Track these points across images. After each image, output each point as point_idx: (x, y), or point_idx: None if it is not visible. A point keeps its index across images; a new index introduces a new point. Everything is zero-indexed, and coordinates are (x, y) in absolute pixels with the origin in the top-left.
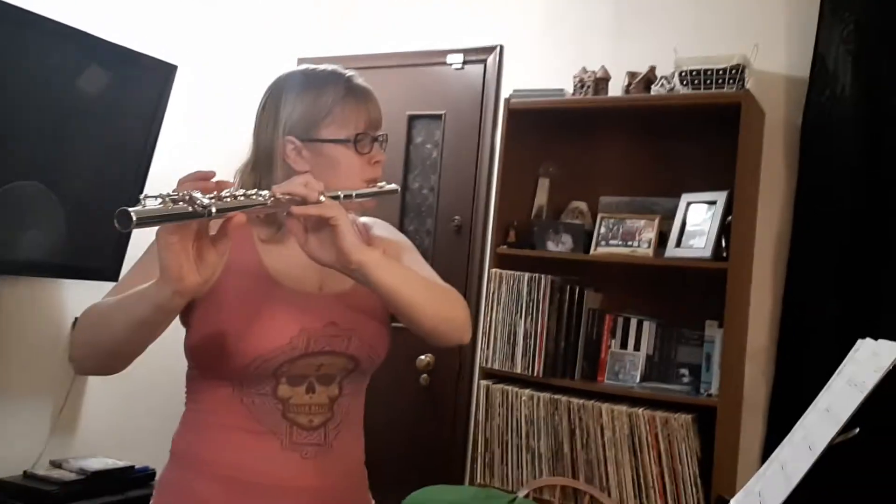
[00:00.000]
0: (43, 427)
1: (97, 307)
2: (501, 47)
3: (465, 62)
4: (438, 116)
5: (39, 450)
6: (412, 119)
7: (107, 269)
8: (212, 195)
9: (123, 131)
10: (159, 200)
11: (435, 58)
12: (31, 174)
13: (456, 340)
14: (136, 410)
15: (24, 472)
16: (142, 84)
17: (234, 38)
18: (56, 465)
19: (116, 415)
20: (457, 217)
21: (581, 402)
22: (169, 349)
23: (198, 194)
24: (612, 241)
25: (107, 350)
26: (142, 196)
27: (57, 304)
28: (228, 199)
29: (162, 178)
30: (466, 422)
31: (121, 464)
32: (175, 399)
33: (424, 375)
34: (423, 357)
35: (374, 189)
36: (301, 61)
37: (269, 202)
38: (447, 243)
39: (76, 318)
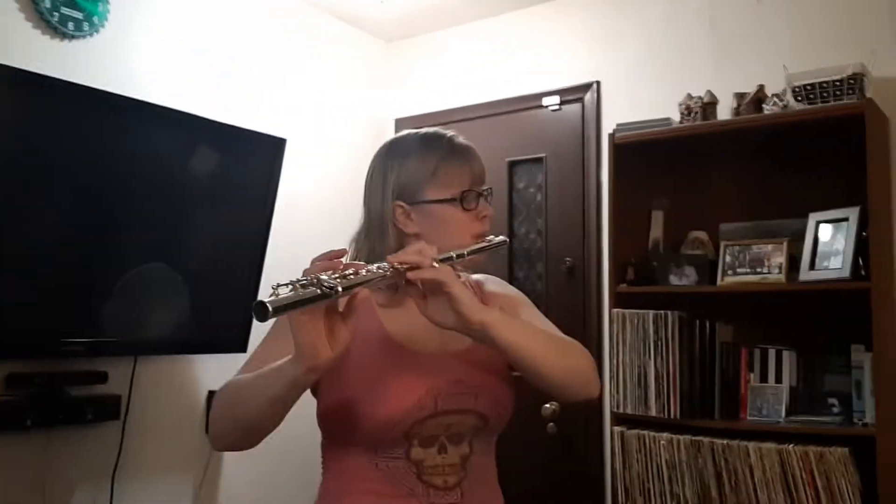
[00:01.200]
0: (185, 502)
1: (233, 384)
2: (598, 83)
3: (561, 102)
4: (539, 159)
5: None
6: (512, 165)
7: (234, 341)
8: (336, 275)
9: (240, 207)
10: (290, 287)
11: (531, 102)
12: (155, 256)
13: (584, 395)
14: (272, 480)
15: None
16: (254, 160)
17: (331, 106)
18: None
19: (254, 486)
20: (568, 259)
21: (725, 442)
22: (300, 419)
23: (324, 276)
24: (739, 270)
25: (244, 426)
26: (273, 286)
27: (190, 380)
28: (352, 276)
29: (280, 250)
30: (600, 470)
31: None
32: (308, 467)
33: (551, 424)
34: (548, 405)
35: (484, 244)
36: (399, 122)
37: (388, 273)
38: (560, 286)
39: (210, 392)
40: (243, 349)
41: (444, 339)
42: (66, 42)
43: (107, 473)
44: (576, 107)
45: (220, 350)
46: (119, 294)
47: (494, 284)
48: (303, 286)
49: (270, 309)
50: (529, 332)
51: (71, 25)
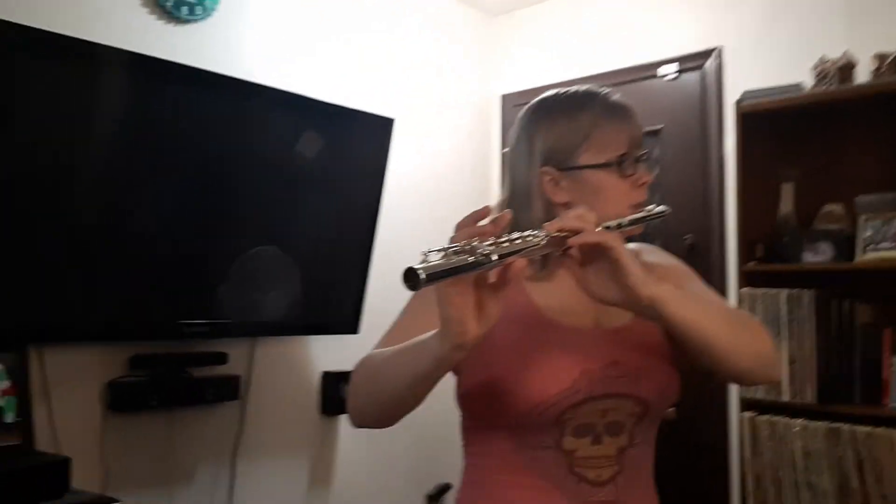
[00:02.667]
0: (301, 481)
1: (373, 359)
2: (720, 49)
3: (679, 71)
4: (656, 132)
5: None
6: None
7: (347, 322)
8: (489, 241)
9: (350, 188)
10: (441, 254)
11: (645, 71)
12: (268, 239)
13: (764, 377)
14: (384, 462)
15: None
16: (362, 140)
17: (438, 83)
18: None
19: (367, 467)
20: (688, 235)
21: (868, 429)
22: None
23: (476, 242)
24: (881, 245)
25: (383, 403)
26: (424, 252)
27: (305, 361)
28: (506, 244)
29: (389, 230)
30: (725, 457)
31: None
32: (426, 450)
33: (671, 409)
34: None
35: (643, 213)
36: (505, 98)
37: (543, 242)
38: None
39: (325, 373)
40: (355, 330)
41: (598, 315)
42: (179, 26)
43: (226, 453)
44: (695, 75)
45: (332, 331)
46: (235, 277)
47: (652, 254)
48: (455, 253)
49: (423, 276)
50: (705, 308)
51: (185, 10)
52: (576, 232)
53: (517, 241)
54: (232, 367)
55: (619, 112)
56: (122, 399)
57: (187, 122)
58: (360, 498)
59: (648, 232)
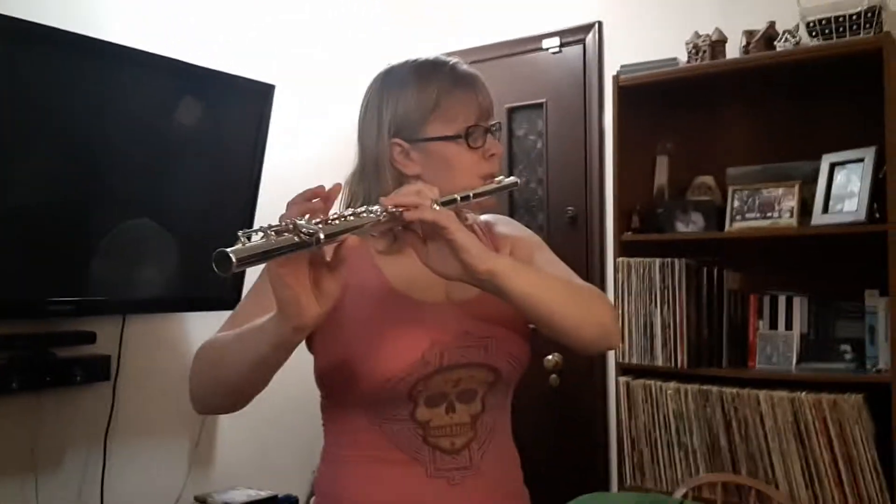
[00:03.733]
0: (181, 463)
1: (213, 345)
2: (600, 24)
3: (562, 45)
4: (539, 105)
5: (180, 486)
6: (512, 111)
7: (226, 297)
8: (318, 220)
9: (228, 157)
10: (261, 234)
11: (529, 44)
12: (141, 211)
13: (605, 346)
14: (269, 439)
15: None
16: (241, 107)
17: (323, 50)
18: (201, 500)
19: (251, 445)
20: (570, 208)
21: (734, 390)
22: (295, 372)
23: (302, 221)
24: (748, 215)
25: (226, 389)
26: (240, 233)
27: (181, 338)
28: (337, 222)
29: (272, 199)
30: (605, 421)
31: (264, 494)
32: (308, 426)
33: (553, 376)
34: (550, 357)
35: (493, 185)
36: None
37: (381, 217)
38: (562, 236)
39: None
40: (234, 307)
41: (450, 287)
42: None
43: (99, 435)
44: (577, 49)
45: (211, 307)
46: (105, 251)
47: (505, 226)
48: (277, 233)
49: (234, 260)
50: (543, 280)
51: None
52: (413, 207)
53: (350, 218)
54: (101, 347)
55: (467, 82)
56: None
57: (54, 87)
58: (245, 477)
59: (532, 205)
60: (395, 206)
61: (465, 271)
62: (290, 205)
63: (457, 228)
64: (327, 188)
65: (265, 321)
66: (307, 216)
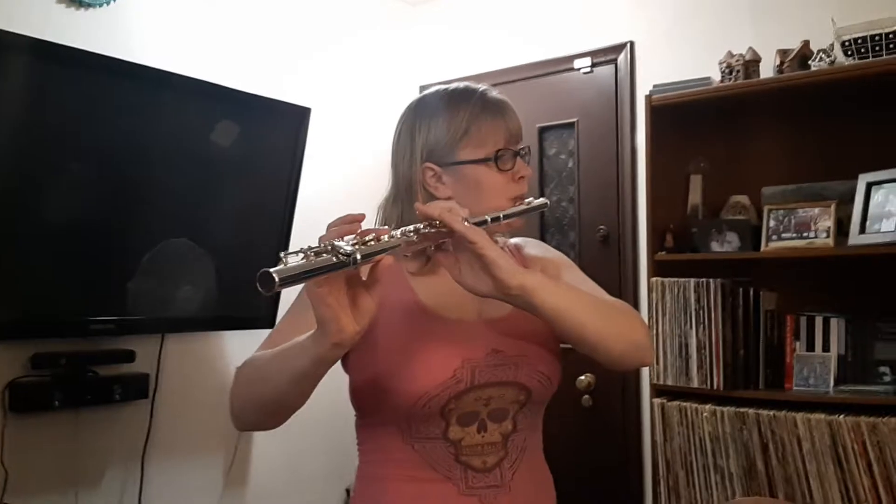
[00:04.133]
0: (217, 481)
1: (254, 362)
2: (632, 43)
3: (593, 65)
4: (571, 125)
5: None
6: (543, 131)
7: (262, 317)
8: (355, 241)
9: (265, 179)
10: (301, 255)
11: (561, 65)
12: (179, 231)
13: (638, 363)
14: (302, 458)
15: None
16: (278, 130)
17: (357, 72)
18: None
19: (284, 464)
20: (602, 227)
21: (771, 413)
22: (333, 394)
23: (340, 242)
24: (784, 235)
25: (267, 405)
26: (282, 254)
27: (218, 357)
28: (373, 243)
29: (307, 221)
30: (639, 443)
31: None
32: (342, 444)
33: (586, 396)
34: (583, 377)
35: (523, 207)
36: (423, 89)
37: (414, 238)
38: (594, 255)
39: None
40: (272, 325)
41: (482, 306)
42: (82, 11)
43: (136, 453)
44: (608, 69)
45: (247, 326)
46: (144, 271)
47: (534, 247)
48: (316, 254)
49: (277, 280)
50: (575, 296)
51: None
52: (444, 223)
53: (385, 239)
54: (140, 365)
55: (496, 108)
56: (22, 400)
57: (94, 111)
58: (279, 495)
59: (564, 224)
60: (426, 220)
61: (496, 286)
62: (329, 227)
63: (487, 243)
64: (365, 213)
65: (305, 339)
66: (345, 238)
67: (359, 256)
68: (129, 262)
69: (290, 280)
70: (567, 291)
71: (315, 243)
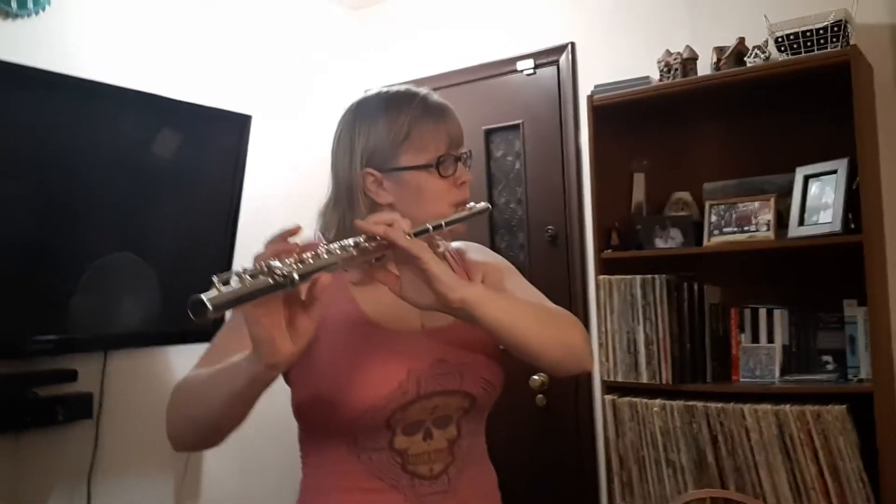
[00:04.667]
0: (167, 499)
1: (189, 382)
2: (573, 44)
3: (536, 66)
4: (516, 126)
5: None
6: (489, 133)
7: (207, 330)
8: (292, 259)
9: (207, 188)
10: (236, 278)
11: (504, 67)
12: (121, 245)
13: (578, 369)
14: (252, 472)
15: None
16: (218, 139)
17: (299, 79)
18: None
19: (234, 479)
20: (550, 227)
21: (719, 405)
22: (275, 405)
23: (276, 263)
24: (726, 229)
25: (203, 426)
26: (215, 278)
27: (164, 372)
28: (311, 260)
29: (251, 230)
30: (592, 440)
31: None
32: (293, 458)
33: (540, 395)
34: (536, 377)
35: (465, 213)
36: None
37: (354, 253)
38: (543, 255)
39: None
40: None
41: (424, 316)
42: (9, 21)
43: (82, 475)
44: (551, 70)
45: (193, 340)
46: (85, 287)
47: (476, 252)
48: (252, 276)
49: (211, 307)
50: (516, 306)
51: (14, 3)
52: (386, 240)
53: (324, 256)
54: (83, 384)
55: (437, 112)
56: None
57: (24, 125)
58: None
59: (513, 225)
60: (368, 235)
61: (437, 300)
62: (266, 245)
63: (430, 258)
64: (300, 225)
65: (239, 359)
66: (281, 257)
67: (296, 276)
68: (68, 279)
69: (224, 306)
70: (507, 302)
71: (254, 257)
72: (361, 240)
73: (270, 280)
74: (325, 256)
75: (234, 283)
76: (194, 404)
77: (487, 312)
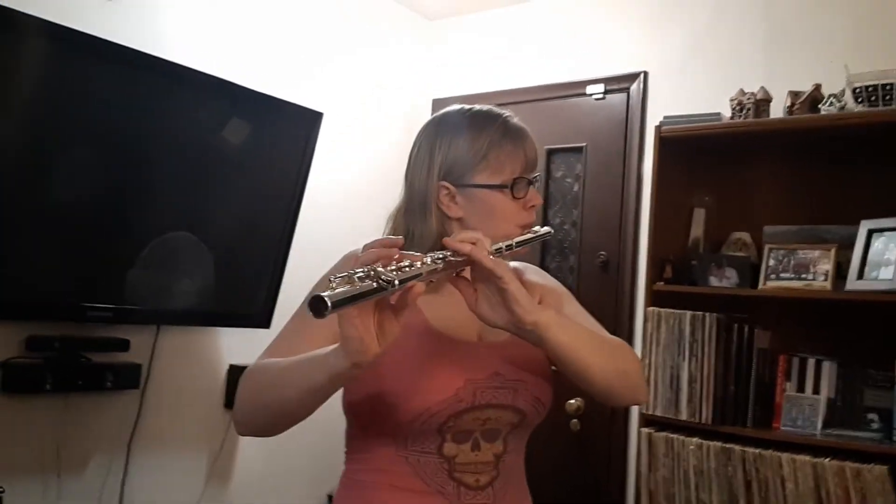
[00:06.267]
0: (199, 475)
1: (265, 370)
2: (646, 74)
3: (606, 92)
4: (579, 149)
5: (196, 499)
6: (551, 153)
7: (258, 315)
8: (392, 266)
9: (271, 179)
10: (345, 279)
11: (573, 89)
12: (182, 224)
13: (632, 400)
14: (286, 460)
15: None
16: (289, 132)
17: (370, 83)
18: None
19: (268, 464)
20: (602, 253)
21: (757, 451)
22: None
23: (381, 269)
24: (783, 275)
25: (275, 414)
26: (332, 278)
27: (212, 353)
28: (408, 269)
29: (310, 224)
30: (623, 471)
31: None
32: (325, 448)
33: (575, 420)
34: (572, 401)
35: (531, 235)
36: (436, 102)
37: (441, 265)
38: (593, 280)
39: (231, 366)
40: (267, 325)
41: (482, 328)
42: (102, 1)
43: (123, 442)
44: (620, 96)
45: (243, 324)
46: (144, 261)
47: (534, 274)
48: (360, 279)
49: (329, 304)
50: (580, 333)
51: None
52: (472, 258)
53: (418, 266)
54: (133, 355)
55: (516, 135)
56: (15, 381)
57: (106, 98)
58: (261, 495)
59: (565, 246)
60: (456, 254)
61: (511, 320)
62: (366, 247)
63: (511, 279)
64: (402, 238)
65: (324, 354)
66: (383, 262)
67: (397, 283)
68: (129, 252)
69: (340, 304)
70: (574, 329)
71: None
72: (448, 254)
73: (374, 284)
74: (419, 266)
75: (343, 283)
76: (269, 392)
77: (556, 336)
